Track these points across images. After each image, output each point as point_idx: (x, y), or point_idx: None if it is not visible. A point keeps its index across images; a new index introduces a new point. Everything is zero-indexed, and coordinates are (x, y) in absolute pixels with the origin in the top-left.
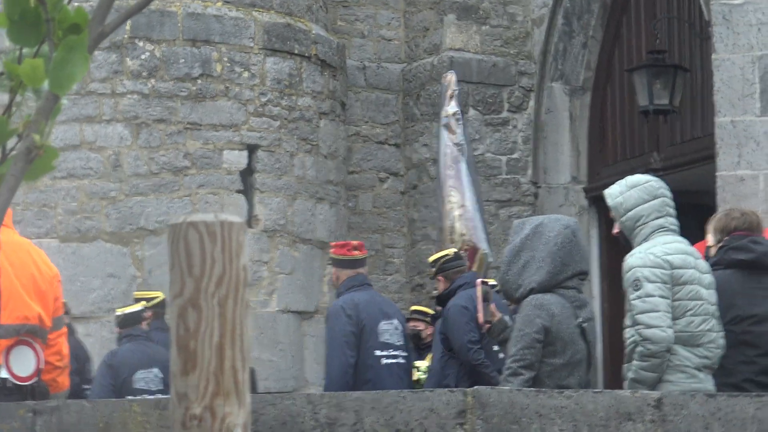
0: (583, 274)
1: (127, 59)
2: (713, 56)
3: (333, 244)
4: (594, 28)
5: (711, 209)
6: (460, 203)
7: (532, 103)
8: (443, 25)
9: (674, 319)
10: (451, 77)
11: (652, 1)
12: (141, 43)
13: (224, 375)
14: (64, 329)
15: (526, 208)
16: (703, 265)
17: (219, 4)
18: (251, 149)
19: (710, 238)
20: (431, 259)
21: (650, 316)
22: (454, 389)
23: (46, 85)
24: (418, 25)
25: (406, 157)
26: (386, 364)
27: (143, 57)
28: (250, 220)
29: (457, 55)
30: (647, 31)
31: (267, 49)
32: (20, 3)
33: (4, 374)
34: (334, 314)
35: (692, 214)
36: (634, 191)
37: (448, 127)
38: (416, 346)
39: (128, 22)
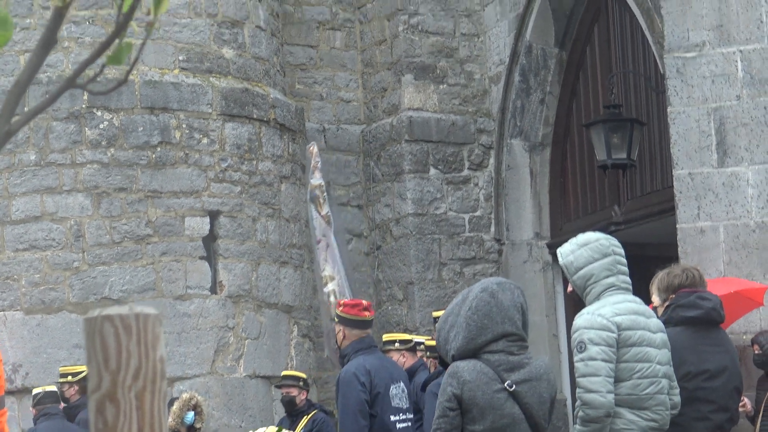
0: (510, 336)
1: (86, 129)
2: (669, 109)
3: (343, 302)
4: (551, 84)
5: (673, 261)
6: (332, 276)
7: (492, 160)
8: (401, 86)
9: (620, 381)
10: (313, 149)
11: (607, 56)
12: (99, 113)
13: None
14: (5, 410)
15: (490, 265)
16: (655, 324)
17: (176, 71)
18: (213, 215)
19: (655, 298)
20: (437, 315)
21: (590, 380)
22: None
23: None
24: (377, 85)
25: (369, 218)
26: (400, 428)
27: (102, 126)
28: (215, 285)
29: (415, 115)
30: (604, 86)
31: (225, 114)
32: None
33: None
34: (347, 382)
35: (654, 266)
36: (584, 250)
37: (314, 200)
38: (289, 412)
39: (85, 93)
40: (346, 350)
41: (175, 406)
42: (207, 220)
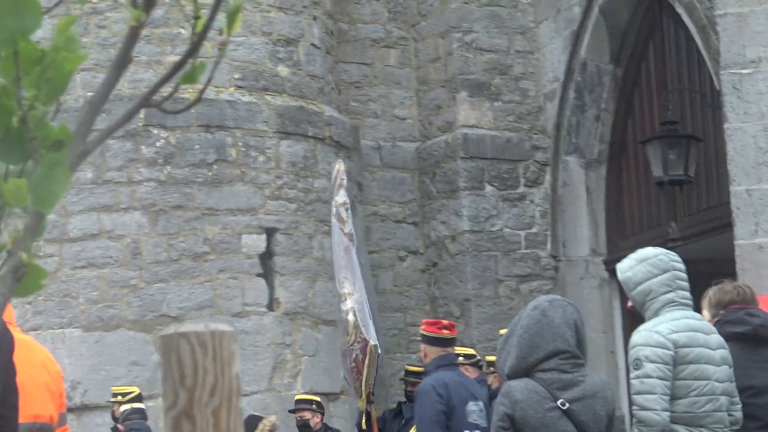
0: (562, 354)
1: (143, 147)
2: (725, 125)
3: (424, 321)
4: (606, 101)
5: (731, 278)
6: (351, 294)
7: (548, 177)
8: (456, 103)
9: (677, 399)
10: (339, 166)
11: (662, 72)
12: (155, 131)
13: None
14: (67, 426)
15: (546, 282)
16: (716, 340)
17: (232, 89)
18: (269, 232)
19: (705, 314)
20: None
21: (646, 398)
22: None
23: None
24: (431, 103)
25: (425, 234)
26: None
27: (158, 144)
28: (272, 302)
29: (470, 132)
30: (659, 103)
31: (281, 132)
32: (3, 122)
33: None
34: (424, 393)
35: (712, 282)
36: (643, 265)
37: (338, 217)
38: None
39: (142, 111)
40: (428, 366)
41: (259, 430)
42: (263, 237)
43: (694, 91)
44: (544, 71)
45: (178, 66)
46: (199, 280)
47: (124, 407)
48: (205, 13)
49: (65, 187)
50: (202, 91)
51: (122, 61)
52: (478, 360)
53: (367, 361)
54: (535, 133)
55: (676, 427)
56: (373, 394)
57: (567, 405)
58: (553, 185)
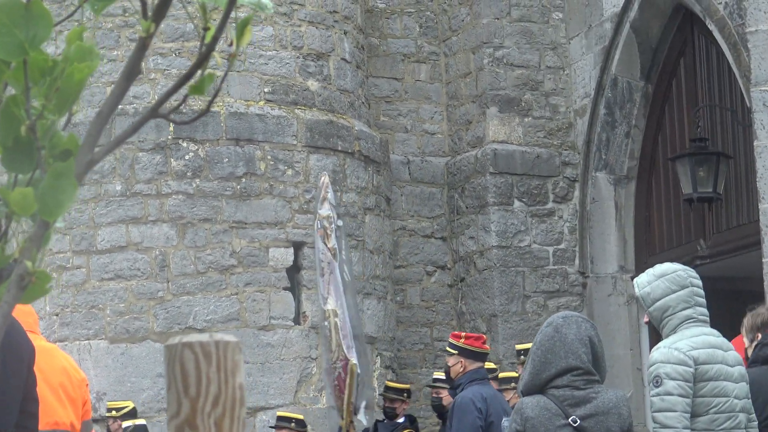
0: (575, 370)
1: (172, 160)
2: (755, 143)
3: (465, 334)
4: (636, 118)
5: (759, 295)
6: (334, 310)
7: (577, 193)
8: (486, 118)
9: (697, 416)
10: (324, 179)
11: (693, 89)
12: (185, 144)
13: None
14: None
15: (574, 298)
16: (733, 357)
17: (261, 103)
18: (297, 246)
19: (745, 340)
20: (520, 348)
21: (666, 415)
22: None
23: None
24: (461, 118)
25: (453, 250)
26: None
27: (187, 157)
28: (298, 316)
29: (500, 148)
30: (689, 120)
31: (310, 146)
32: (12, 131)
33: None
34: (463, 407)
35: (741, 300)
36: (662, 281)
37: (322, 231)
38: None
39: (171, 124)
40: (460, 380)
41: None
42: (291, 251)
43: (725, 108)
44: (575, 87)
45: (186, 77)
46: (225, 293)
47: (126, 424)
48: (214, 24)
49: (71, 196)
50: (210, 102)
51: (131, 72)
52: (498, 374)
53: (348, 380)
54: (565, 149)
55: None
56: (355, 414)
57: (579, 422)
58: (582, 201)
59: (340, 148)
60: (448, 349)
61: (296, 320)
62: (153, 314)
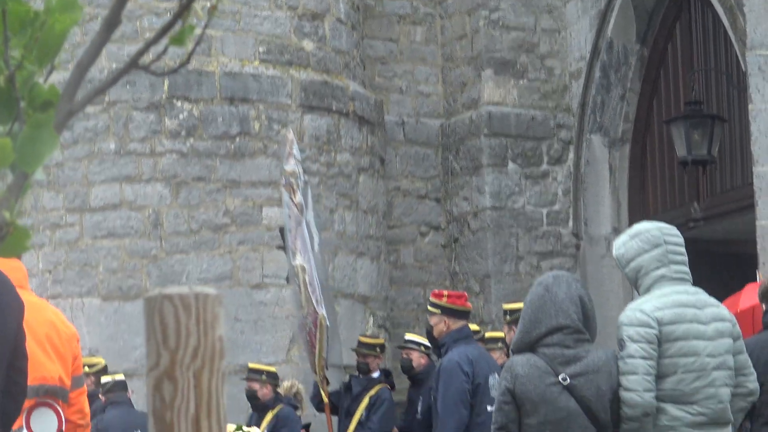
0: (565, 329)
1: (166, 119)
2: (750, 107)
3: (447, 293)
4: (631, 81)
5: (753, 258)
6: (302, 266)
7: (571, 155)
8: (481, 80)
9: (665, 377)
10: (289, 135)
11: (689, 53)
12: (179, 103)
13: None
14: (84, 388)
15: (567, 259)
16: (710, 314)
17: (256, 62)
18: None
19: (763, 306)
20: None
21: (629, 379)
22: None
23: None
24: (456, 80)
25: (447, 210)
26: None
27: (181, 116)
28: (291, 276)
29: (495, 110)
30: (684, 83)
31: (305, 106)
32: None
33: None
34: (449, 370)
35: (734, 263)
36: (635, 241)
37: (288, 186)
38: (254, 407)
39: (166, 82)
40: (444, 339)
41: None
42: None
43: (720, 71)
44: (571, 50)
45: (166, 28)
46: (219, 251)
47: (105, 379)
48: None
49: (51, 147)
50: (190, 55)
51: (111, 23)
52: (483, 336)
53: (318, 334)
54: (560, 112)
55: (664, 405)
56: (326, 368)
57: (568, 380)
58: (576, 163)
59: (334, 109)
60: (429, 308)
61: (289, 279)
62: (146, 272)
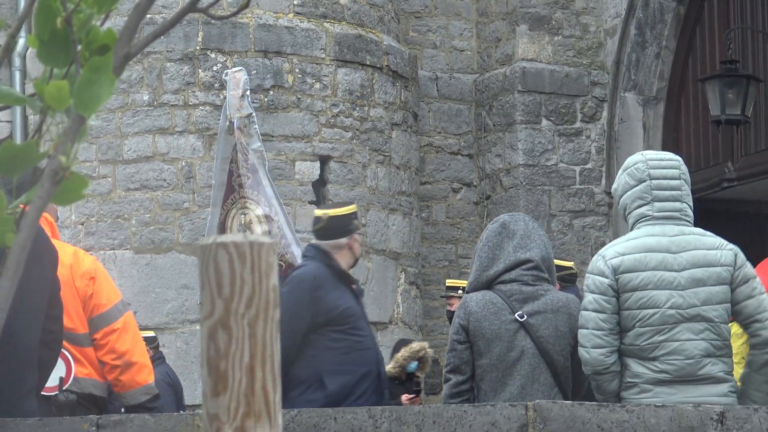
0: (525, 264)
1: (200, 70)
2: None
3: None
4: (667, 39)
5: None
6: (264, 217)
7: (605, 113)
8: (516, 36)
9: (625, 331)
10: (239, 75)
11: (725, 11)
12: (213, 55)
13: (255, 396)
14: (113, 326)
15: (600, 218)
16: (684, 260)
17: (291, 15)
18: (323, 160)
19: None
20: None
21: (581, 333)
22: (515, 403)
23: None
24: (491, 35)
25: (480, 167)
26: None
27: (215, 68)
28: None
29: (529, 66)
30: (720, 42)
31: (338, 60)
32: (49, 24)
33: None
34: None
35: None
36: (623, 176)
37: (243, 130)
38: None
39: (200, 34)
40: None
41: (401, 354)
42: (317, 164)
43: (757, 30)
44: (606, 6)
45: None
46: None
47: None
48: None
49: (109, 91)
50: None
51: None
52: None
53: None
54: (594, 69)
55: (628, 360)
56: None
57: (525, 317)
58: (610, 122)
59: (368, 63)
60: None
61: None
62: (178, 225)
